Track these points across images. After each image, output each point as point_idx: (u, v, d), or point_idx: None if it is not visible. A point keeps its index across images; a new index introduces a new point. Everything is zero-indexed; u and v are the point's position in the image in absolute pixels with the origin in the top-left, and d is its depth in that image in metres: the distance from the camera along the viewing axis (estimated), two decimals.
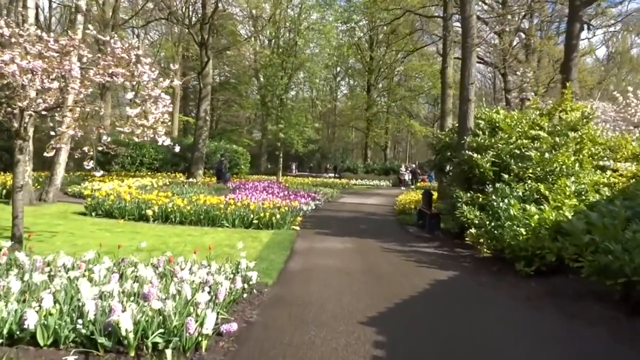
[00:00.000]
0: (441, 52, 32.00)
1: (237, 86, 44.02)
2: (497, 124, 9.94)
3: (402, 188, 31.07)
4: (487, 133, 9.87)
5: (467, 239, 8.89)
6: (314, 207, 15.48)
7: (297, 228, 11.08)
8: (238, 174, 36.57)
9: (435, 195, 13.69)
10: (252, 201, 13.32)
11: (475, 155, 9.23)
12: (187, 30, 25.03)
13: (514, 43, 23.99)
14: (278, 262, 7.35)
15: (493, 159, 9.28)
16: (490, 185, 9.01)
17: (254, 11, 26.84)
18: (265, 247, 8.50)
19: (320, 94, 55.84)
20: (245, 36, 27.48)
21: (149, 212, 10.82)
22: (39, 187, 14.43)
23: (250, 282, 5.62)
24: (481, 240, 8.24)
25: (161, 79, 7.75)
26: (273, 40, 23.89)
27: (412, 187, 34.73)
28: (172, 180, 20.48)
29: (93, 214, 11.24)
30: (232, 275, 5.48)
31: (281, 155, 25.81)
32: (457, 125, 11.75)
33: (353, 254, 8.39)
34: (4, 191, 13.56)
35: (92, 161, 7.92)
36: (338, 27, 42.60)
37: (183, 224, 10.79)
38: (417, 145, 74.53)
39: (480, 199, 9.05)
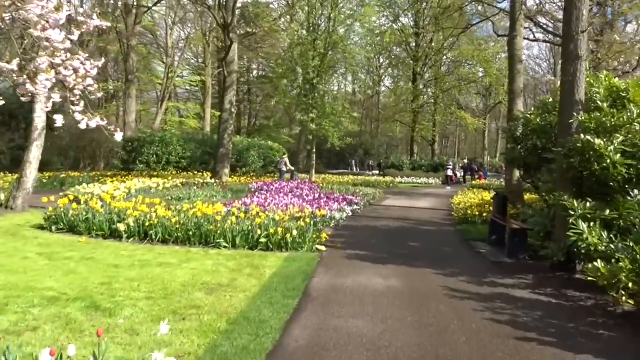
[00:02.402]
0: (498, 31, 28.14)
1: (274, 80, 41.37)
2: (625, 95, 6.45)
3: (448, 188, 27.30)
4: (607, 108, 6.39)
5: (584, 273, 5.55)
6: (350, 214, 12.33)
7: (323, 248, 7.96)
8: (273, 173, 33.98)
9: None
10: (270, 207, 10.33)
11: (596, 141, 5.81)
12: (209, 12, 22.25)
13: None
14: (272, 326, 4.26)
15: (624, 147, 5.84)
16: (618, 189, 5.62)
17: None
18: (263, 289, 5.43)
19: (361, 83, 52.62)
20: (276, 20, 24.42)
21: (121, 227, 7.99)
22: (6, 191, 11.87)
23: None
24: (616, 280, 4.89)
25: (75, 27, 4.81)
26: (305, 20, 20.66)
27: (465, 185, 30.99)
28: (187, 181, 17.80)
29: (53, 228, 8.54)
30: None
31: (314, 150, 22.66)
32: (549, 100, 8.27)
33: (401, 303, 5.18)
34: None
35: None
36: (380, 13, 39.36)
37: (166, 242, 7.90)
38: (467, 140, 69.92)
39: (607, 212, 5.64)
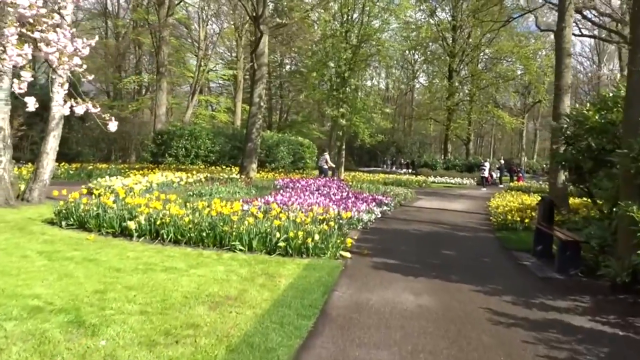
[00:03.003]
0: (540, 26, 26.62)
1: (304, 74, 40.85)
2: None
3: (483, 189, 26.02)
4: None
5: None
6: (379, 216, 11.54)
7: (347, 255, 7.22)
8: (304, 169, 33.39)
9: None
10: (294, 207, 9.66)
11: None
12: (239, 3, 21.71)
13: None
14: (279, 356, 3.55)
15: None
16: None
17: None
18: (275, 305, 4.73)
19: (394, 79, 51.40)
20: (308, 12, 23.64)
21: (131, 225, 7.44)
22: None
23: None
24: None
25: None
26: (337, 11, 19.80)
27: (501, 186, 29.68)
28: (212, 176, 17.31)
29: (63, 223, 8.06)
30: None
31: (343, 147, 21.84)
32: (609, 95, 7.28)
33: (435, 329, 4.39)
34: None
35: None
36: (416, 7, 38.12)
37: (178, 243, 7.30)
38: (503, 140, 67.69)
39: None
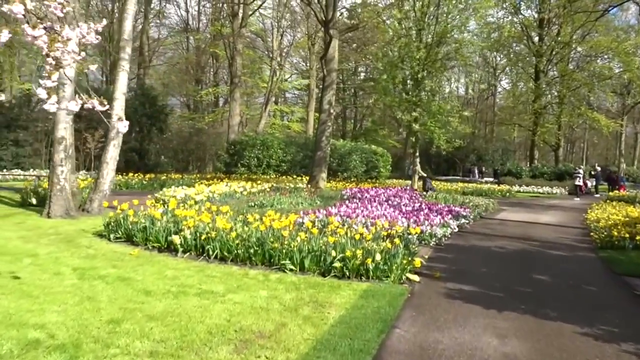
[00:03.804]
0: None
1: (376, 78, 39.84)
2: None
3: (577, 199, 23.35)
4: None
5: None
6: (456, 230, 10.24)
7: (416, 278, 6.11)
8: (377, 178, 32.26)
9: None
10: (358, 220, 8.71)
11: None
12: (309, 8, 21.20)
13: None
14: None
15: None
16: None
17: None
18: (317, 348, 3.77)
19: (474, 83, 48.78)
20: (380, 13, 22.63)
21: (175, 240, 6.84)
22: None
23: None
24: None
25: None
26: (410, 8, 18.56)
27: (597, 195, 26.70)
28: (278, 185, 16.74)
29: (112, 236, 7.66)
30: None
31: (417, 154, 20.41)
32: None
33: None
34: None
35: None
36: (498, 5, 35.77)
37: (224, 260, 6.58)
38: (597, 145, 62.09)
39: None
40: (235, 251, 6.56)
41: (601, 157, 65.61)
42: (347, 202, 12.24)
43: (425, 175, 20.60)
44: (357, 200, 12.60)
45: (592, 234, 10.61)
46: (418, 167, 20.15)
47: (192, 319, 4.27)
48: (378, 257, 6.00)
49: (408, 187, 18.48)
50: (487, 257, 8.06)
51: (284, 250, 6.32)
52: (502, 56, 46.53)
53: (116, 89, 10.14)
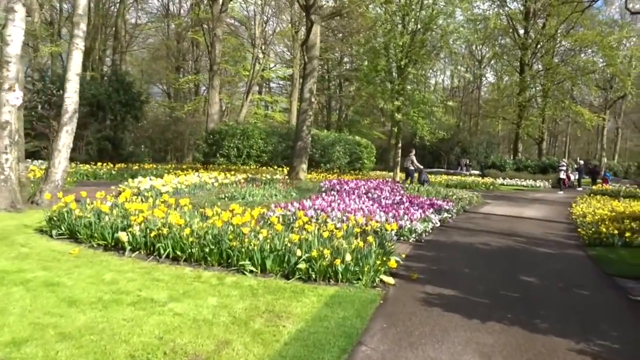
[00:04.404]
0: (632, 6, 23.30)
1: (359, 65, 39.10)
2: None
3: (561, 192, 23.08)
4: None
5: None
6: (437, 225, 9.62)
7: (390, 280, 5.46)
8: (361, 170, 31.67)
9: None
10: (333, 214, 8.04)
11: None
12: None
13: None
14: None
15: None
16: None
17: None
18: None
19: (460, 76, 48.31)
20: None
21: (122, 237, 6.07)
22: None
23: None
24: None
25: None
26: None
27: (580, 189, 26.50)
28: (254, 176, 15.97)
29: (54, 232, 6.85)
30: None
31: (399, 145, 19.77)
32: None
33: None
34: None
35: None
36: None
37: (177, 260, 5.84)
38: (580, 139, 62.27)
39: None
40: (189, 250, 5.82)
41: (583, 151, 66.00)
42: (324, 194, 11.54)
43: (421, 167, 19.94)
44: (335, 193, 11.91)
45: (579, 230, 10.08)
46: (413, 158, 19.42)
47: (115, 337, 3.54)
48: (348, 257, 5.32)
49: (390, 180, 17.82)
50: (471, 255, 7.44)
51: (243, 250, 5.60)
52: (487, 49, 46.16)
53: (69, 70, 9.25)
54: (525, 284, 5.83)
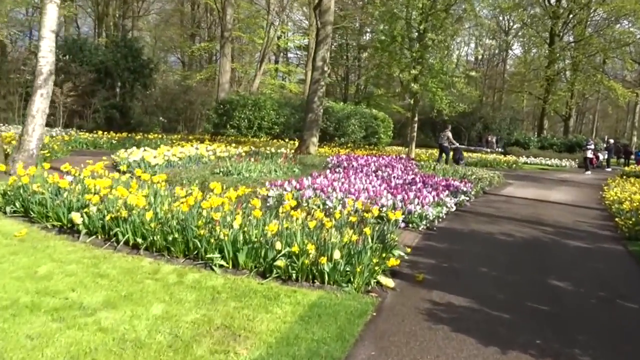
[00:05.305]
0: None
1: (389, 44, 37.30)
2: None
3: (588, 173, 21.49)
4: None
5: None
6: (453, 209, 8.53)
7: (389, 283, 4.44)
8: (377, 145, 30.37)
9: None
10: (333, 196, 7.03)
11: None
12: None
13: None
14: None
15: None
16: None
17: None
18: None
19: (484, 49, 46.12)
20: None
21: (76, 218, 5.15)
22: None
23: None
24: None
25: None
26: None
27: (609, 170, 24.92)
28: (256, 149, 14.95)
29: (7, 209, 5.97)
30: None
31: (415, 119, 18.45)
32: None
33: None
34: None
35: None
36: None
37: (137, 249, 4.92)
38: (609, 117, 59.49)
39: None
40: (151, 237, 4.87)
41: (611, 130, 63.09)
42: (329, 171, 10.49)
43: (457, 144, 18.29)
44: (342, 170, 10.85)
45: (616, 219, 8.86)
46: (449, 134, 17.76)
47: None
48: (337, 254, 4.29)
49: (404, 156, 16.63)
50: (489, 248, 6.36)
51: (212, 240, 4.62)
52: (515, 19, 43.73)
53: (43, 26, 8.24)
54: (556, 291, 4.75)
